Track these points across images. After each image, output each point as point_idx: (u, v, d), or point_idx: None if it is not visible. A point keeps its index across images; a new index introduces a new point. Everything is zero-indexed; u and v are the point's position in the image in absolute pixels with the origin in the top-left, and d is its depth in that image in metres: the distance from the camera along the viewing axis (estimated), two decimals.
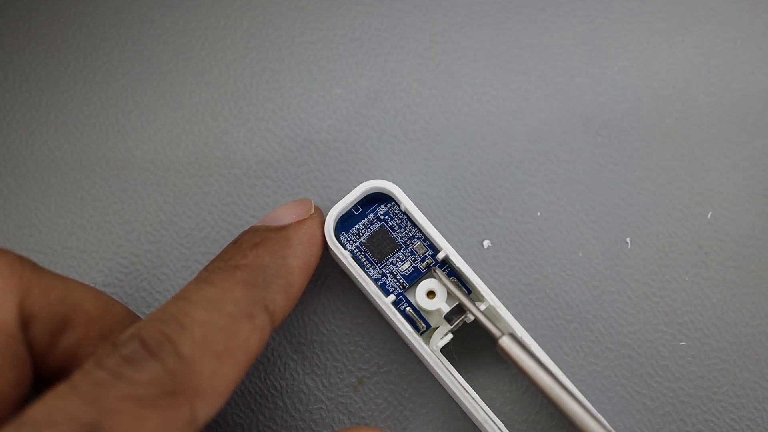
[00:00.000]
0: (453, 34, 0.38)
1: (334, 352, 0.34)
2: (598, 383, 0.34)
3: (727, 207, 0.36)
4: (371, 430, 0.29)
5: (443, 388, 0.33)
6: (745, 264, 0.35)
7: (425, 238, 0.33)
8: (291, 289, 0.29)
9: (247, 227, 0.34)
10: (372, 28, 0.38)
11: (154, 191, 0.36)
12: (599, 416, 0.30)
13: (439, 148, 0.36)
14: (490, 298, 0.32)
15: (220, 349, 0.25)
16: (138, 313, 0.34)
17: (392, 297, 0.33)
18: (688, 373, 0.34)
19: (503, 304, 0.32)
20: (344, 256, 0.32)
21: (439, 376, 0.32)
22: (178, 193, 0.36)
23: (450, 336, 0.32)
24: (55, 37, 0.38)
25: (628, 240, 0.35)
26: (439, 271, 0.32)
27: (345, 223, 0.34)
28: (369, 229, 0.34)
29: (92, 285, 0.35)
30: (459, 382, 0.32)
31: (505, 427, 0.31)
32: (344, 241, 0.33)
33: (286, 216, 0.31)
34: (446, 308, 0.32)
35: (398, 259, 0.33)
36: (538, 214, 0.36)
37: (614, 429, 0.30)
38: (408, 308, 0.33)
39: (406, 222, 0.33)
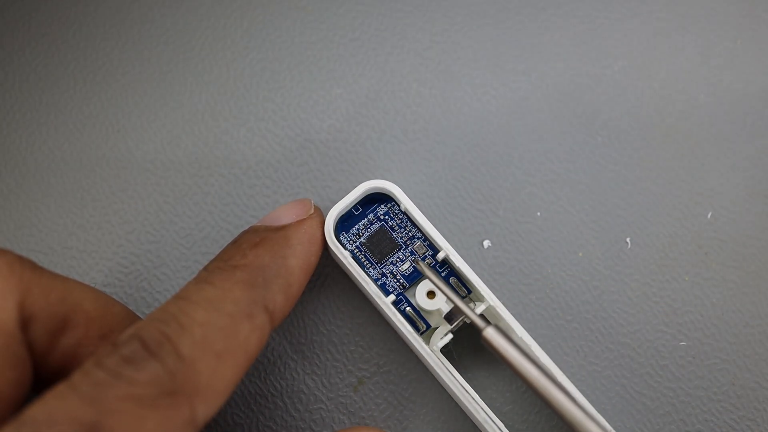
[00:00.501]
0: (453, 34, 0.38)
1: (334, 352, 0.34)
2: (598, 383, 0.34)
3: (727, 207, 0.36)
4: (371, 430, 0.29)
5: (443, 388, 0.33)
6: (745, 264, 0.35)
7: (425, 238, 0.33)
8: (291, 289, 0.29)
9: (247, 227, 0.34)
10: (372, 28, 0.38)
11: (154, 191, 0.36)
12: (587, 406, 0.31)
13: (439, 148, 0.36)
14: (490, 298, 0.32)
15: (220, 349, 0.25)
16: (138, 313, 0.34)
17: (392, 297, 0.33)
18: (688, 373, 0.34)
19: (503, 304, 0.32)
20: (344, 256, 0.32)
21: (439, 376, 0.32)
22: (178, 193, 0.36)
23: (450, 336, 0.32)
24: (55, 37, 0.38)
25: (628, 240, 0.35)
26: (421, 263, 0.32)
27: (345, 223, 0.34)
28: (369, 229, 0.34)
29: (92, 285, 0.35)
30: (459, 382, 0.32)
31: (505, 427, 0.31)
32: (344, 241, 0.33)
33: (285, 216, 0.31)
34: (446, 308, 0.32)
35: (398, 259, 0.33)
36: (538, 214, 0.36)
37: (614, 429, 0.30)
38: (408, 308, 0.33)
39: (406, 222, 0.33)
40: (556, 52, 0.38)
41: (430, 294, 0.32)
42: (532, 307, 0.35)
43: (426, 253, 0.33)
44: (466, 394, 0.31)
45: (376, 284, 0.33)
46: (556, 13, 0.38)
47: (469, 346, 0.34)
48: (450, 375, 0.32)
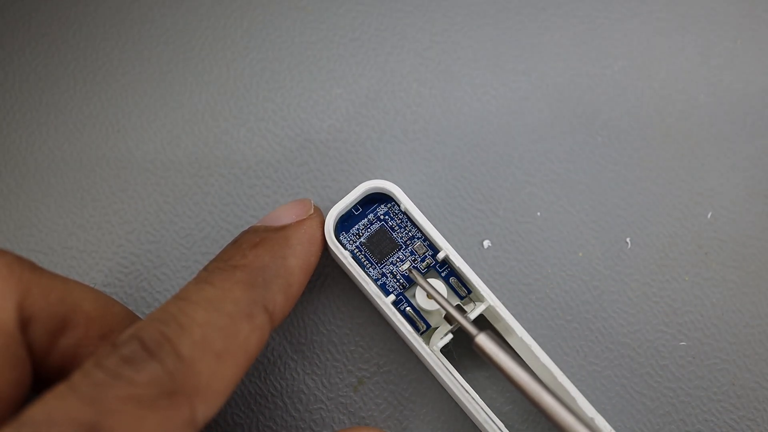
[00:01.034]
0: (453, 34, 0.38)
1: (334, 352, 0.34)
2: (598, 383, 0.34)
3: (727, 207, 0.36)
4: (371, 430, 0.29)
5: (443, 388, 0.33)
6: (745, 264, 0.35)
7: (425, 238, 0.33)
8: (291, 289, 0.29)
9: (247, 227, 0.34)
10: (372, 28, 0.38)
11: (154, 191, 0.36)
12: (586, 407, 0.31)
13: (439, 148, 0.36)
14: (490, 298, 0.32)
15: (220, 350, 0.25)
16: (138, 313, 0.34)
17: (392, 297, 0.33)
18: (688, 373, 0.34)
19: (503, 304, 0.32)
20: (344, 256, 0.32)
21: (439, 376, 0.32)
22: (178, 193, 0.36)
23: (450, 336, 0.32)
24: (55, 37, 0.38)
25: (628, 240, 0.35)
26: (415, 272, 0.32)
27: (345, 223, 0.34)
28: (369, 229, 0.34)
29: (92, 285, 0.35)
30: (459, 382, 0.32)
31: (505, 427, 0.31)
32: (344, 241, 0.33)
33: (285, 216, 0.31)
34: None
35: (398, 259, 0.33)
36: (538, 214, 0.36)
37: (614, 429, 0.30)
38: (408, 308, 0.33)
39: (406, 222, 0.33)
40: (556, 52, 0.38)
41: (431, 295, 0.32)
42: (532, 307, 0.35)
43: (426, 253, 0.33)
44: (466, 394, 0.31)
45: (376, 284, 0.33)
46: (556, 13, 0.38)
47: (469, 347, 0.34)
48: (450, 375, 0.32)
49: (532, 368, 0.32)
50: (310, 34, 0.38)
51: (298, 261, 0.30)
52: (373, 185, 0.33)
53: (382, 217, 0.34)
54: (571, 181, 0.36)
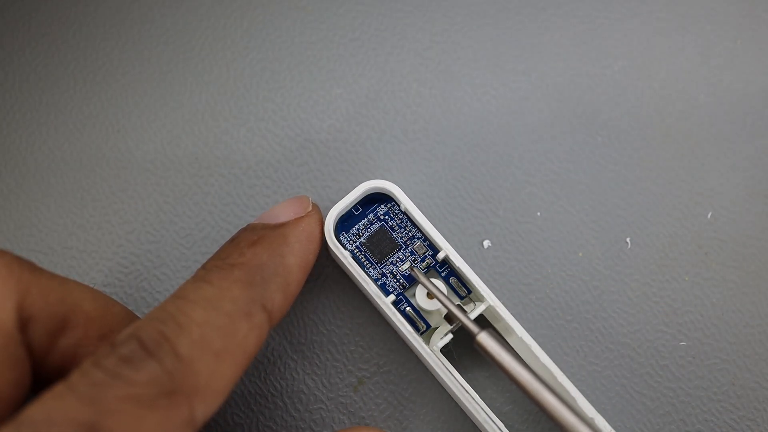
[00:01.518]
0: (453, 34, 0.38)
1: (334, 352, 0.34)
2: (598, 383, 0.34)
3: (727, 207, 0.36)
4: (371, 430, 0.29)
5: (443, 388, 0.33)
6: (745, 264, 0.35)
7: (425, 238, 0.33)
8: (289, 287, 0.29)
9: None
10: (372, 28, 0.38)
11: (154, 191, 0.36)
12: (585, 406, 0.31)
13: (439, 148, 0.36)
14: (490, 298, 0.32)
15: (219, 349, 0.25)
16: (138, 313, 0.34)
17: (392, 297, 0.33)
18: (688, 373, 0.34)
19: (503, 304, 0.32)
20: (344, 256, 0.32)
21: (439, 376, 0.32)
22: (178, 193, 0.36)
23: (450, 336, 0.32)
24: (55, 37, 0.38)
25: (628, 240, 0.35)
26: (416, 270, 0.32)
27: (345, 223, 0.34)
28: (369, 229, 0.34)
29: (92, 285, 0.35)
30: (459, 382, 0.32)
31: (505, 427, 0.31)
32: (344, 241, 0.33)
33: (283, 213, 0.31)
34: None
35: (398, 259, 0.33)
36: (538, 214, 0.36)
37: (614, 429, 0.30)
38: (408, 308, 0.33)
39: (406, 222, 0.33)
40: (556, 52, 0.38)
41: (430, 294, 0.32)
42: (532, 307, 0.35)
43: (426, 253, 0.33)
44: (466, 394, 0.31)
45: (376, 284, 0.33)
46: (556, 13, 0.38)
47: (469, 346, 0.34)
48: (450, 375, 0.32)
49: (532, 368, 0.32)
50: (310, 34, 0.38)
51: (297, 259, 0.30)
52: (373, 185, 0.33)
53: (382, 217, 0.34)
54: (571, 181, 0.36)
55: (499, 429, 0.31)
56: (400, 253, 0.33)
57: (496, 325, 0.33)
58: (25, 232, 0.36)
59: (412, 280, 0.33)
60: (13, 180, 0.36)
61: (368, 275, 0.33)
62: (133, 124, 0.37)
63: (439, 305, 0.32)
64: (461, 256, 0.33)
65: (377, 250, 0.33)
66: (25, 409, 0.22)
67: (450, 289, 0.33)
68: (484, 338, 0.29)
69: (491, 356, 0.29)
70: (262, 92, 0.37)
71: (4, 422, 0.21)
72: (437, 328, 0.33)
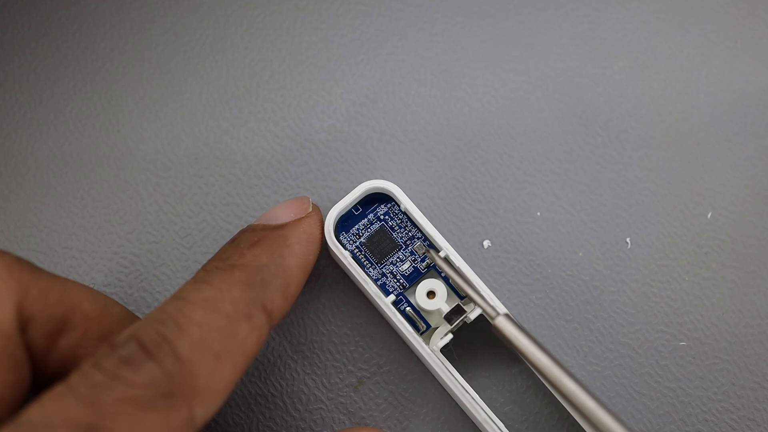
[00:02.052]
0: (453, 34, 0.38)
1: (334, 352, 0.34)
2: (598, 383, 0.34)
3: (727, 207, 0.36)
4: (371, 430, 0.29)
5: (443, 388, 0.33)
6: (745, 264, 0.35)
7: (425, 238, 0.33)
8: (289, 288, 0.29)
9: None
10: (372, 28, 0.38)
11: (154, 191, 0.36)
12: (601, 398, 0.31)
13: (439, 148, 0.36)
14: (490, 298, 0.32)
15: (218, 350, 0.25)
16: (138, 314, 0.34)
17: (392, 297, 0.33)
18: (688, 373, 0.34)
19: (503, 304, 0.33)
20: (344, 256, 0.32)
21: (439, 376, 0.32)
22: (178, 193, 0.36)
23: (450, 336, 0.32)
24: (55, 37, 0.38)
25: (628, 240, 0.35)
26: (433, 252, 0.32)
27: (345, 223, 0.34)
28: (369, 229, 0.34)
29: (92, 285, 0.35)
30: (459, 382, 0.32)
31: (505, 427, 0.31)
32: (344, 241, 0.33)
33: (283, 214, 0.31)
34: (446, 308, 0.32)
35: (398, 259, 0.33)
36: (538, 214, 0.36)
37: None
38: (408, 308, 0.33)
39: (406, 222, 0.34)
40: (556, 52, 0.38)
41: (430, 294, 0.32)
42: (532, 307, 0.35)
43: (426, 253, 0.33)
44: (466, 394, 0.31)
45: (376, 284, 0.33)
46: (556, 13, 0.38)
47: (469, 346, 0.34)
48: (450, 375, 0.32)
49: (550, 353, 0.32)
50: (310, 34, 0.38)
51: (297, 260, 0.30)
52: (373, 185, 0.33)
53: (382, 217, 0.34)
54: (571, 181, 0.36)
55: (499, 429, 0.31)
56: (400, 253, 0.33)
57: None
58: (25, 232, 0.36)
59: (412, 280, 0.33)
60: (13, 180, 0.36)
61: (368, 275, 0.33)
62: (133, 124, 0.37)
63: (440, 305, 0.32)
64: (461, 256, 0.33)
65: (377, 250, 0.33)
66: (24, 411, 0.22)
67: (450, 289, 0.33)
68: (501, 322, 0.29)
69: (509, 341, 0.29)
70: (262, 92, 0.37)
71: (3, 423, 0.21)
72: (437, 328, 0.33)
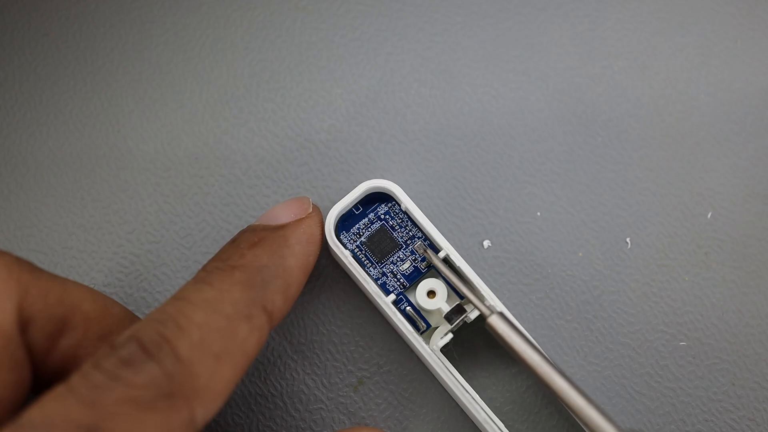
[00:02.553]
0: (453, 34, 0.38)
1: (334, 352, 0.34)
2: (598, 383, 0.34)
3: (727, 207, 0.36)
4: (371, 430, 0.29)
5: (443, 388, 0.34)
6: (745, 264, 0.35)
7: (425, 238, 0.33)
8: (289, 289, 0.29)
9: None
10: (372, 28, 0.38)
11: (154, 191, 0.36)
12: (591, 395, 0.31)
13: (439, 148, 0.36)
14: (490, 298, 0.32)
15: (219, 351, 0.25)
16: (138, 314, 0.34)
17: (392, 296, 0.33)
18: (688, 373, 0.34)
19: (503, 304, 0.33)
20: (345, 256, 0.32)
21: (439, 376, 0.32)
22: (178, 193, 0.36)
23: (450, 336, 0.32)
24: (55, 37, 0.38)
25: (628, 240, 0.35)
26: (430, 251, 0.32)
27: (345, 222, 0.34)
28: (369, 229, 0.34)
29: (92, 285, 0.35)
30: (459, 382, 0.32)
31: (505, 427, 0.31)
32: (345, 241, 0.33)
33: (283, 215, 0.31)
34: (446, 308, 0.32)
35: (399, 259, 0.33)
36: (538, 214, 0.36)
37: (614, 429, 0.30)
38: (408, 308, 0.33)
39: (407, 221, 0.34)
40: (556, 52, 0.38)
41: (431, 293, 0.32)
42: (532, 307, 0.35)
43: (424, 253, 0.33)
44: (466, 394, 0.31)
45: (377, 284, 0.33)
46: (556, 13, 0.38)
47: (469, 346, 0.34)
48: (450, 375, 0.32)
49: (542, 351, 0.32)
50: (310, 34, 0.38)
51: (297, 261, 0.30)
52: (373, 185, 0.33)
53: (382, 216, 0.34)
54: (571, 181, 0.36)
55: (499, 429, 0.31)
56: (400, 253, 0.33)
57: None
58: (25, 232, 0.36)
59: (412, 280, 0.33)
60: (13, 180, 0.36)
61: (368, 275, 0.33)
62: (133, 124, 0.37)
63: (440, 304, 0.32)
64: (461, 256, 0.33)
65: (378, 250, 0.33)
66: (25, 411, 0.22)
67: (450, 289, 0.33)
68: (495, 320, 0.29)
69: (501, 338, 0.29)
70: (262, 92, 0.37)
71: (4, 424, 0.21)
72: (437, 327, 0.33)
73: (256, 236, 0.30)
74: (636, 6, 0.38)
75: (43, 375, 0.27)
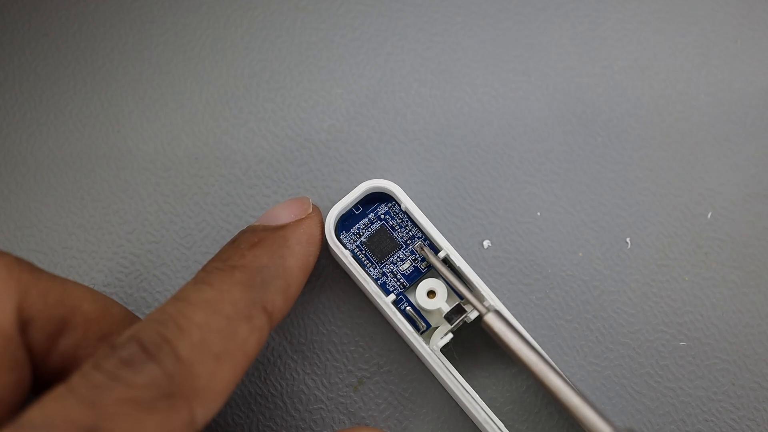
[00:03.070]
0: (453, 34, 0.38)
1: (334, 352, 0.34)
2: (598, 383, 0.34)
3: (727, 207, 0.36)
4: (371, 430, 0.29)
5: (443, 388, 0.34)
6: (745, 264, 0.35)
7: (425, 238, 0.33)
8: (289, 289, 0.29)
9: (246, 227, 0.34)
10: (372, 28, 0.38)
11: (154, 191, 0.36)
12: (585, 393, 0.31)
13: (439, 148, 0.36)
14: (490, 298, 0.32)
15: (219, 351, 0.25)
16: (138, 314, 0.34)
17: (392, 296, 0.33)
18: (688, 373, 0.34)
19: (503, 304, 0.33)
20: (345, 256, 0.32)
21: (439, 376, 0.32)
22: (178, 193, 0.36)
23: (450, 336, 0.32)
24: (55, 37, 0.38)
25: (628, 240, 0.35)
26: (427, 249, 0.32)
27: (345, 222, 0.34)
28: (369, 229, 0.34)
29: (92, 285, 0.35)
30: (459, 382, 0.32)
31: (505, 427, 0.31)
32: (345, 241, 0.33)
33: (284, 215, 0.31)
34: (446, 308, 0.32)
35: (399, 259, 0.33)
36: (538, 214, 0.36)
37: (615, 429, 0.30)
38: (408, 308, 0.33)
39: (407, 221, 0.34)
40: (556, 52, 0.38)
41: (431, 293, 0.32)
42: (532, 307, 0.35)
43: (422, 252, 0.33)
44: (466, 394, 0.31)
45: (377, 284, 0.33)
46: (556, 13, 0.38)
47: (469, 346, 0.34)
48: (450, 375, 0.32)
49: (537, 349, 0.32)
50: (310, 34, 0.38)
51: (297, 261, 0.30)
52: (373, 185, 0.33)
53: (382, 216, 0.34)
54: (571, 181, 0.36)
55: (499, 429, 0.31)
56: (400, 253, 0.33)
57: None
58: (25, 232, 0.36)
59: (412, 280, 0.33)
60: (13, 180, 0.36)
61: (368, 275, 0.33)
62: (133, 124, 0.37)
63: (440, 304, 0.32)
64: (461, 256, 0.33)
65: (378, 250, 0.33)
66: (25, 412, 0.22)
67: (450, 289, 0.33)
68: (491, 318, 0.29)
69: (497, 336, 0.29)
70: (262, 92, 0.37)
71: (4, 424, 0.21)
72: (437, 327, 0.33)
73: (256, 236, 0.30)
74: (636, 6, 0.38)
75: (43, 375, 0.27)
